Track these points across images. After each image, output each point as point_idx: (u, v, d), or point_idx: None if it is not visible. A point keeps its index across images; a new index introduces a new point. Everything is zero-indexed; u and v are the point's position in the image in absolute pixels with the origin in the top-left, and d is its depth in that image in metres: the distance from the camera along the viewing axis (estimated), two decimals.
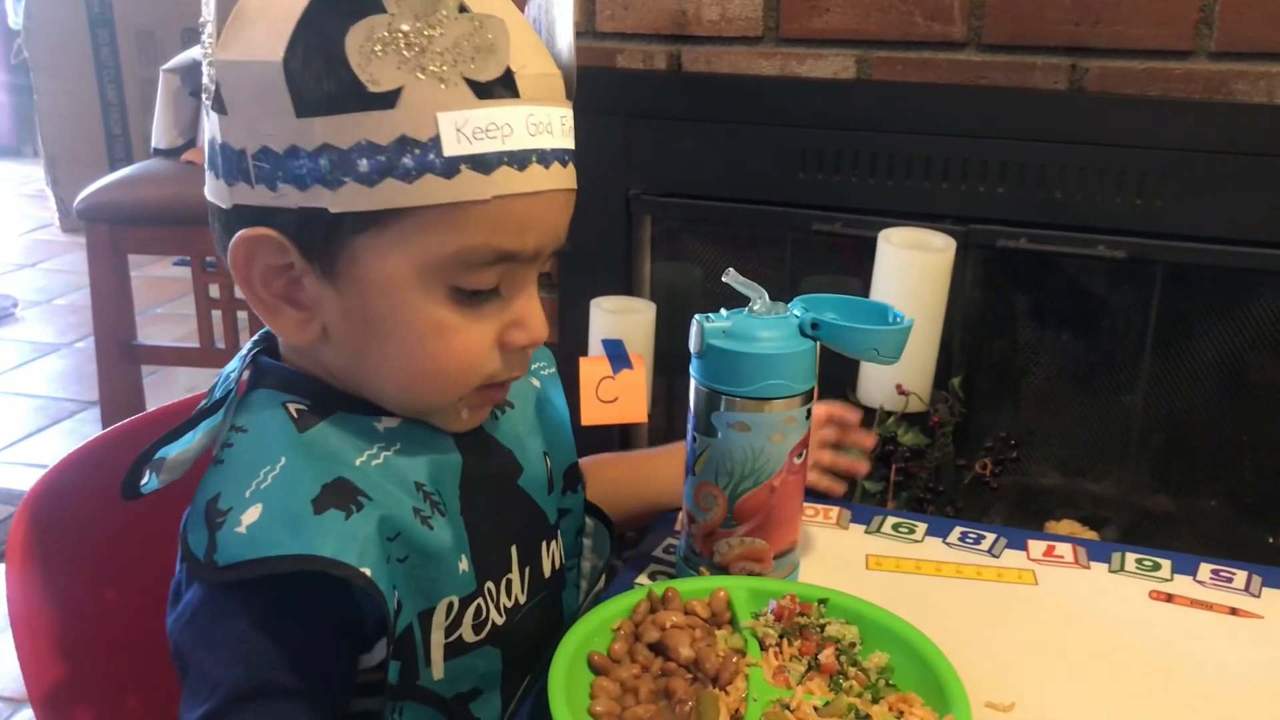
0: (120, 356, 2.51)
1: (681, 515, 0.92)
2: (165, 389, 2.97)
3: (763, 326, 0.85)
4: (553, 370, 0.93)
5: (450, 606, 0.75)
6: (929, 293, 1.53)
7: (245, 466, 0.70)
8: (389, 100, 0.64)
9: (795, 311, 0.87)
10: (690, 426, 0.89)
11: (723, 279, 0.88)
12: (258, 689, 0.67)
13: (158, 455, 0.71)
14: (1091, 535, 1.60)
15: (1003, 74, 1.59)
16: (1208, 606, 0.91)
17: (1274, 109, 1.50)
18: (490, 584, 0.78)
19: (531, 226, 0.71)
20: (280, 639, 0.68)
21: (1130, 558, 0.97)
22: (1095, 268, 1.63)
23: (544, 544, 0.85)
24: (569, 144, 0.73)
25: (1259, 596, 0.92)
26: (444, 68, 0.65)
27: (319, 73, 0.65)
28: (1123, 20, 1.52)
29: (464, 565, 0.76)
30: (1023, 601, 0.92)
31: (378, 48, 0.63)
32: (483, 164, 0.66)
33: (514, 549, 0.81)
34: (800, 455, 0.88)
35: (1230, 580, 0.94)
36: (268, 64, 0.65)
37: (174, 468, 0.71)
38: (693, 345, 0.87)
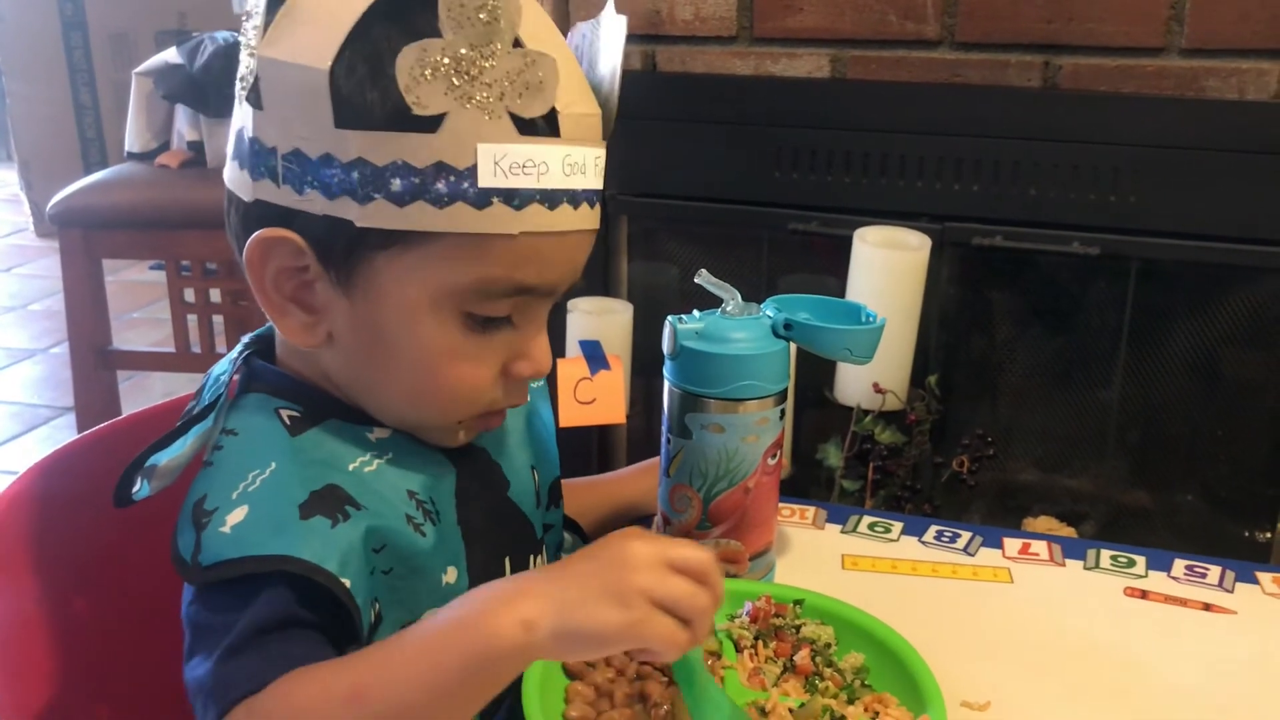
0: (95, 362, 2.49)
1: (657, 518, 0.92)
2: (141, 394, 2.95)
3: (735, 328, 0.85)
4: (542, 383, 0.92)
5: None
6: (905, 291, 1.54)
7: (234, 468, 0.69)
8: (432, 125, 0.64)
9: (768, 312, 0.87)
10: (664, 428, 0.89)
11: (695, 280, 0.88)
12: (281, 621, 0.65)
13: (149, 462, 0.71)
14: (1069, 531, 1.61)
15: (976, 72, 1.60)
16: (1182, 602, 0.91)
17: (1245, 105, 1.50)
18: None
19: (553, 264, 0.71)
20: (288, 607, 0.66)
21: (1105, 555, 0.98)
22: (1070, 264, 1.64)
23: (532, 558, 0.85)
24: (599, 185, 0.72)
25: (1232, 592, 0.93)
26: (491, 99, 0.64)
27: (364, 87, 0.64)
28: (1095, 18, 1.53)
29: (451, 577, 0.75)
30: (998, 600, 0.92)
31: (428, 71, 0.63)
32: (515, 199, 0.66)
33: (507, 560, 0.81)
34: (774, 456, 0.87)
35: (1204, 576, 0.95)
36: (314, 70, 0.64)
37: (165, 474, 0.71)
38: (666, 347, 0.87)
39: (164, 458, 0.71)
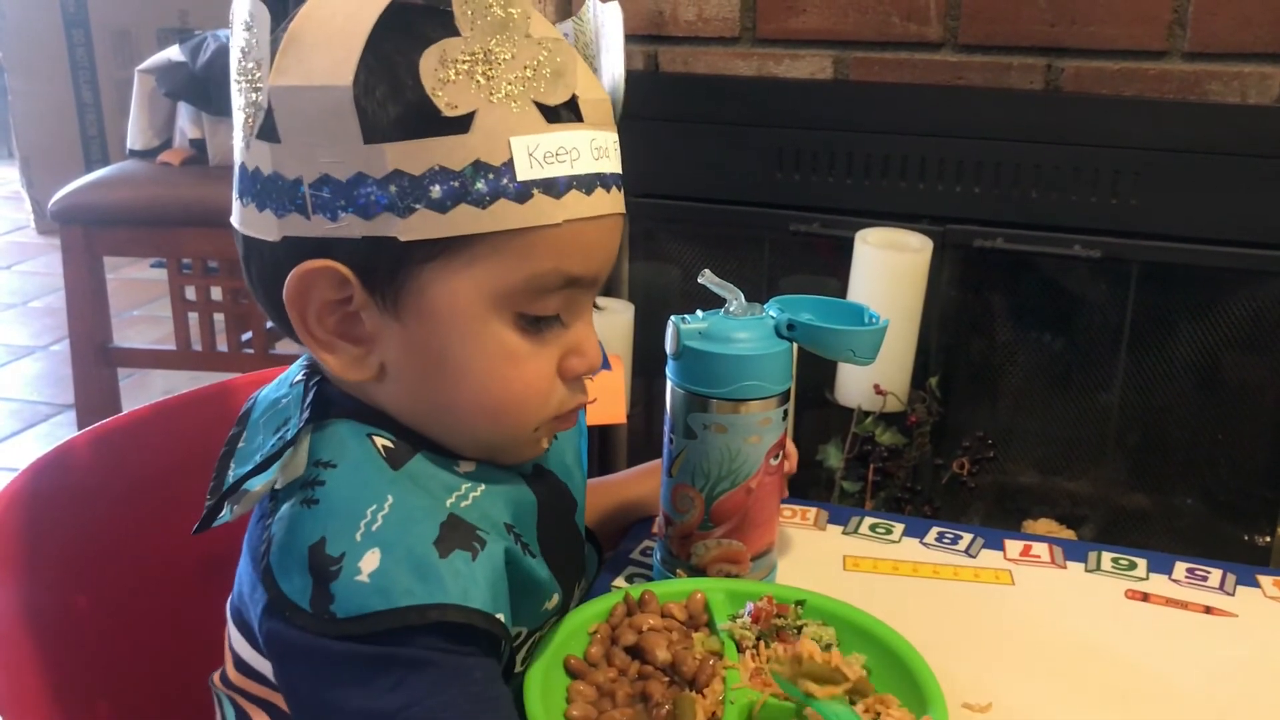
0: (96, 359, 2.49)
1: (659, 518, 0.92)
2: (142, 391, 2.95)
3: (739, 328, 0.85)
4: None
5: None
6: (906, 293, 1.54)
7: (347, 506, 0.66)
8: (463, 125, 0.63)
9: (771, 312, 0.87)
10: (667, 428, 0.89)
11: (698, 280, 0.88)
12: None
13: (244, 487, 0.68)
14: (1069, 534, 1.61)
15: (979, 74, 1.60)
16: (1183, 605, 0.91)
17: (1247, 109, 1.51)
18: None
19: (595, 251, 0.69)
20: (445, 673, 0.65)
21: (1106, 557, 0.97)
22: (1071, 267, 1.64)
23: (581, 580, 0.86)
24: (620, 169, 0.71)
25: (1233, 595, 0.93)
26: (516, 91, 0.64)
27: (389, 97, 0.63)
28: (1097, 20, 1.53)
29: (553, 602, 0.75)
30: (1000, 601, 0.92)
31: (451, 72, 0.62)
32: (554, 188, 0.65)
33: (576, 588, 0.82)
34: (777, 456, 0.87)
35: (1205, 579, 0.95)
36: (334, 89, 0.62)
37: (252, 500, 0.68)
38: (669, 347, 0.87)
39: (257, 483, 0.68)
